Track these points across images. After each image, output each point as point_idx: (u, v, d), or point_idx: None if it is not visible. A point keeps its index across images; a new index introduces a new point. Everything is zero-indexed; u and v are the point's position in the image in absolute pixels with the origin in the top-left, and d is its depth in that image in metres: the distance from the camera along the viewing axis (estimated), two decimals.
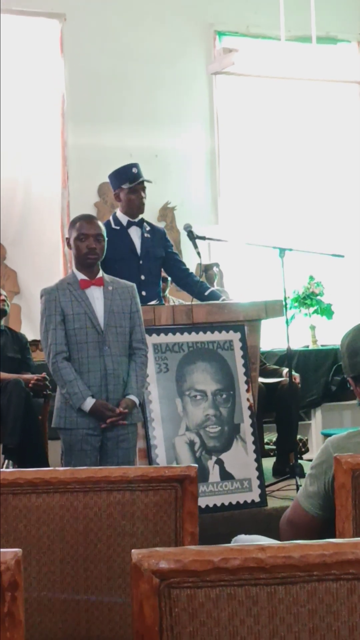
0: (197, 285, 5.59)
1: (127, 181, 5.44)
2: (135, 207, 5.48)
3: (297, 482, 5.22)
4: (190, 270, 5.76)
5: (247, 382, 5.19)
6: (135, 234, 5.51)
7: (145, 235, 5.52)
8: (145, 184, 5.49)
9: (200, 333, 5.15)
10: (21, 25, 7.99)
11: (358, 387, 2.65)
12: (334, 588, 1.38)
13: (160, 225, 7.54)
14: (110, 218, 5.59)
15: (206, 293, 5.58)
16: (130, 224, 5.51)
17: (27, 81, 8.01)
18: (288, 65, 8.28)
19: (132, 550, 1.35)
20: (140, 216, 5.56)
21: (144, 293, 5.38)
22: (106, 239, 4.56)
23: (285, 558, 1.36)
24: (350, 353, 2.63)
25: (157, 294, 5.57)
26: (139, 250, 5.48)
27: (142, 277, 5.44)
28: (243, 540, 2.93)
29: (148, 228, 5.57)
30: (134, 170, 5.47)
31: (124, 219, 5.52)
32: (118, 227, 5.49)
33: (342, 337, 2.70)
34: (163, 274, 5.75)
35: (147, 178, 5.50)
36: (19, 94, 7.95)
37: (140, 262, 5.47)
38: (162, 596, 1.34)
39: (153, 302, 5.26)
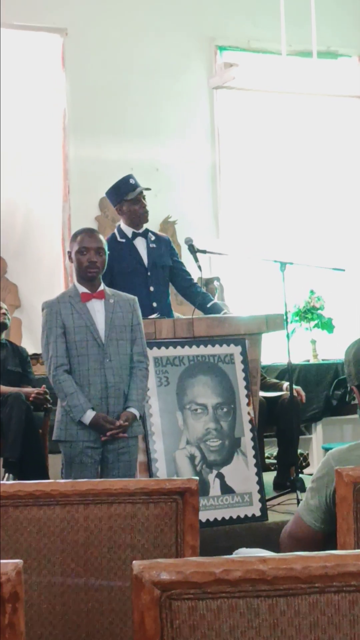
0: (200, 297, 5.60)
1: (128, 193, 5.46)
2: (140, 216, 5.50)
3: (297, 496, 5.21)
4: (195, 281, 5.76)
5: (247, 396, 5.18)
6: (141, 245, 5.53)
7: (151, 245, 5.54)
8: (145, 192, 5.52)
9: (201, 346, 5.15)
10: (23, 40, 8.02)
11: None
12: (335, 600, 1.38)
13: None
14: (115, 231, 5.60)
15: (208, 305, 5.60)
16: (135, 235, 5.53)
17: (29, 95, 8.04)
18: (289, 79, 8.29)
19: (133, 562, 1.35)
20: (145, 226, 5.58)
21: (154, 304, 5.40)
22: (107, 252, 4.57)
23: (287, 570, 1.35)
24: (356, 361, 2.63)
25: (167, 305, 5.58)
26: (146, 262, 5.50)
27: (152, 289, 5.46)
28: (244, 553, 2.92)
29: (153, 238, 5.59)
30: (131, 181, 5.50)
31: (128, 230, 5.54)
32: (124, 240, 5.51)
33: (348, 347, 2.71)
34: None
35: (145, 186, 5.53)
36: (21, 108, 7.97)
37: (148, 273, 5.49)
38: (163, 608, 1.34)
39: (154, 316, 5.26)
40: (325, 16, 8.34)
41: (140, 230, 5.56)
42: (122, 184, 5.53)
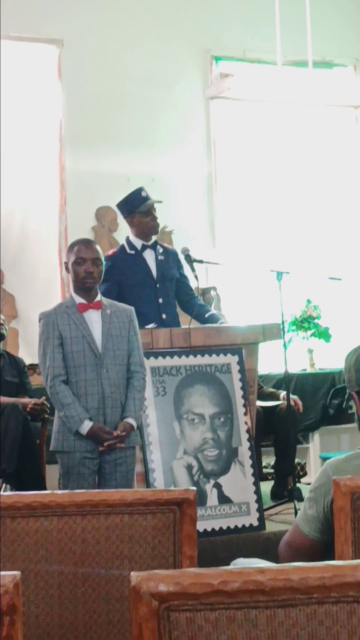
0: (197, 308, 5.63)
1: (140, 205, 5.49)
2: (150, 228, 5.54)
3: (295, 505, 5.21)
4: (194, 294, 5.79)
5: (245, 406, 5.18)
6: (150, 257, 5.56)
7: (160, 257, 5.57)
8: (155, 205, 5.55)
9: (198, 356, 5.15)
10: (19, 52, 8.03)
11: None
12: (333, 611, 1.37)
13: None
14: (124, 243, 5.62)
15: (206, 315, 5.63)
16: (144, 247, 5.56)
17: (25, 106, 8.04)
18: (284, 89, 8.32)
19: (131, 573, 1.35)
20: (154, 238, 5.61)
21: (164, 316, 5.42)
22: (104, 262, 4.58)
23: (285, 580, 1.35)
24: (358, 367, 2.63)
25: (175, 316, 5.59)
26: (155, 274, 5.53)
27: (160, 300, 5.48)
28: (242, 563, 2.92)
29: (161, 250, 5.63)
30: (143, 193, 5.54)
31: (137, 242, 5.56)
32: (133, 252, 5.54)
33: (348, 353, 2.71)
34: None
35: (157, 199, 5.56)
36: (17, 119, 7.98)
37: (157, 285, 5.52)
38: (161, 619, 1.34)
39: (150, 326, 5.26)
40: (321, 26, 8.36)
41: (149, 243, 5.58)
42: (134, 197, 5.57)
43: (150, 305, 5.39)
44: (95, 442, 4.35)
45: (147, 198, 5.54)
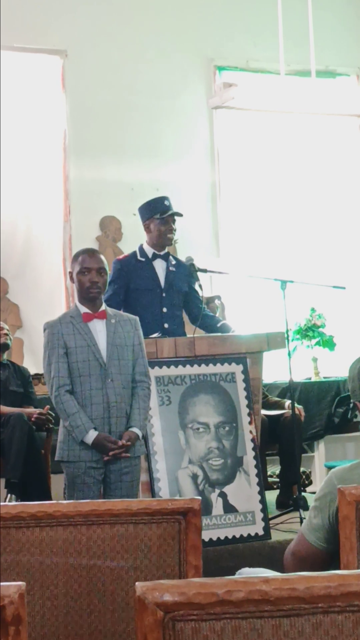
0: (209, 319, 5.64)
1: (159, 212, 5.49)
2: (164, 238, 5.52)
3: (300, 514, 5.20)
4: (206, 309, 5.79)
5: (249, 415, 5.18)
6: (160, 266, 5.55)
7: (170, 268, 5.57)
8: (176, 218, 5.55)
9: (203, 365, 5.15)
10: (23, 62, 8.05)
11: None
12: (339, 620, 1.37)
13: None
14: (137, 249, 5.62)
15: (218, 325, 5.63)
16: (155, 256, 5.55)
17: (29, 117, 8.07)
18: (288, 99, 8.33)
19: (136, 583, 1.35)
20: (167, 249, 5.60)
21: (166, 325, 5.42)
22: (108, 272, 4.59)
23: (290, 590, 1.35)
24: None
25: (179, 326, 5.58)
26: (162, 283, 5.52)
27: (164, 310, 5.48)
28: (247, 573, 2.91)
29: (174, 262, 5.62)
30: (166, 202, 5.54)
31: (149, 251, 5.56)
32: (143, 259, 5.54)
33: (352, 363, 2.71)
34: None
35: (177, 212, 5.56)
36: (21, 130, 8.00)
37: (163, 294, 5.51)
38: (167, 629, 1.33)
39: (155, 335, 5.26)
40: (324, 36, 8.38)
41: (162, 253, 5.58)
42: (156, 203, 5.57)
43: (153, 313, 5.39)
44: (100, 451, 4.35)
45: (169, 208, 5.53)
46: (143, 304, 5.38)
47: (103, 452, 4.34)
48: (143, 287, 5.47)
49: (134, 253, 5.61)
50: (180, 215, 5.57)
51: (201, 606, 1.33)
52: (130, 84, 8.34)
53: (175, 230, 5.57)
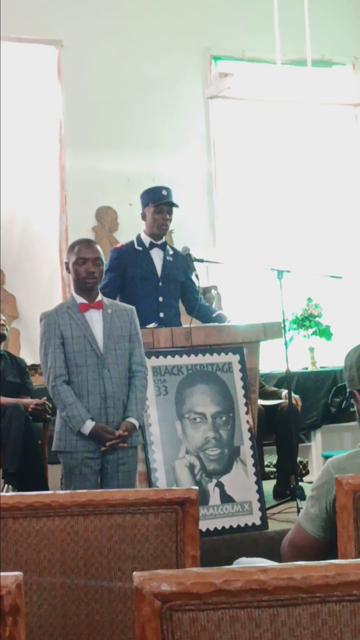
0: (204, 310, 5.66)
1: (154, 201, 5.49)
2: (158, 226, 5.52)
3: (297, 504, 5.21)
4: (202, 300, 5.80)
5: (246, 404, 5.18)
6: (157, 255, 5.56)
7: (168, 258, 5.57)
8: (173, 209, 5.55)
9: (199, 355, 5.15)
10: (19, 52, 8.03)
11: None
12: (337, 610, 1.37)
13: None
14: (134, 239, 5.63)
15: (214, 315, 5.64)
16: (152, 245, 5.56)
17: (25, 107, 8.05)
18: (283, 88, 8.32)
19: (134, 573, 1.35)
20: (164, 239, 5.61)
21: (161, 314, 5.43)
22: (104, 262, 4.58)
23: (288, 580, 1.35)
24: (359, 366, 2.63)
25: (175, 316, 5.59)
26: (159, 272, 5.53)
27: (160, 299, 5.49)
28: (244, 563, 2.91)
29: (171, 252, 5.63)
30: (164, 192, 5.54)
31: (147, 240, 5.57)
32: (140, 248, 5.56)
33: (349, 352, 2.70)
34: None
35: (174, 202, 5.56)
36: (17, 120, 7.98)
37: (160, 283, 5.52)
38: (164, 619, 1.33)
39: (152, 325, 5.26)
40: (319, 25, 8.36)
41: (159, 242, 5.58)
42: (154, 191, 5.58)
43: (149, 302, 5.39)
44: (97, 442, 4.34)
45: (164, 197, 5.54)
46: (139, 292, 5.39)
47: (100, 443, 4.34)
48: (140, 276, 5.48)
49: (132, 242, 5.62)
50: (175, 205, 5.57)
51: (199, 596, 1.33)
52: (126, 75, 8.32)
53: (170, 220, 5.57)
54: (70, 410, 4.33)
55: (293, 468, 5.83)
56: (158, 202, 5.49)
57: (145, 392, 4.57)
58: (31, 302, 7.77)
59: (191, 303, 5.71)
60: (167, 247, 5.65)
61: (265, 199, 8.90)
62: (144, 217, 5.59)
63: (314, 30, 7.87)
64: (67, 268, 4.57)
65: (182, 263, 5.64)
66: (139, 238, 5.62)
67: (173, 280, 5.59)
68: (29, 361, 6.74)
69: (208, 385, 5.12)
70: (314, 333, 8.37)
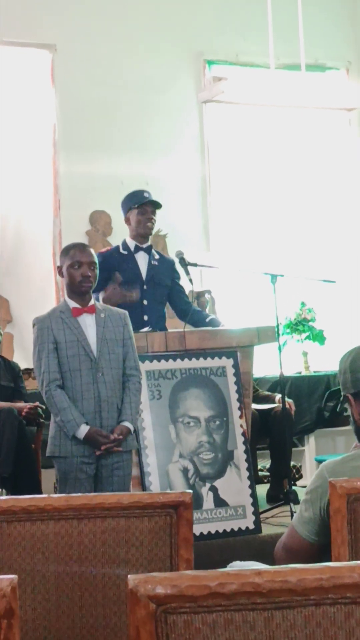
0: (197, 315, 5.66)
1: (136, 202, 5.51)
2: (143, 227, 5.53)
3: (291, 508, 5.21)
4: (192, 304, 5.80)
5: (240, 409, 5.18)
6: (142, 259, 5.58)
7: (153, 262, 5.58)
8: (157, 210, 5.57)
9: (193, 359, 5.15)
10: (12, 56, 8.03)
11: (358, 403, 2.65)
12: (331, 612, 1.37)
13: None
14: (120, 243, 5.66)
15: (207, 320, 5.64)
16: (137, 249, 5.57)
17: (19, 111, 8.05)
18: (277, 92, 8.33)
19: (129, 576, 1.35)
20: (149, 243, 5.62)
21: (145, 317, 5.44)
22: (98, 266, 4.58)
23: (282, 582, 1.35)
24: (353, 369, 2.64)
25: (160, 320, 5.59)
26: (144, 276, 5.54)
27: (145, 302, 5.49)
28: (238, 566, 2.91)
29: (157, 256, 5.64)
30: (145, 194, 5.57)
31: (132, 244, 5.60)
32: (126, 252, 5.58)
33: (343, 356, 2.71)
34: None
35: (158, 202, 5.58)
36: (11, 125, 7.98)
37: (145, 287, 5.52)
38: (159, 622, 1.33)
39: (146, 329, 5.26)
40: (313, 29, 8.38)
41: (144, 245, 5.60)
42: (134, 195, 5.61)
43: (134, 306, 5.39)
44: (92, 446, 4.34)
45: (146, 197, 5.56)
46: None
47: (95, 447, 4.34)
48: (125, 280, 5.48)
49: (117, 247, 5.67)
50: (158, 205, 5.59)
51: (194, 599, 1.33)
52: (120, 78, 8.33)
53: (154, 220, 5.59)
54: (64, 415, 4.32)
55: (286, 472, 5.83)
56: (141, 202, 5.52)
57: (139, 396, 4.57)
58: (25, 306, 7.77)
59: (181, 306, 5.72)
60: (153, 251, 5.66)
61: (259, 203, 8.91)
62: (127, 221, 5.62)
63: (307, 35, 7.89)
64: (60, 272, 4.56)
65: (168, 267, 5.66)
66: (124, 242, 5.65)
67: (158, 284, 5.60)
68: (22, 365, 6.73)
69: (202, 389, 5.13)
70: (307, 337, 8.38)
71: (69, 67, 8.15)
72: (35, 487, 5.79)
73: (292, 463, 6.77)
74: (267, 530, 5.07)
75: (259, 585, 1.34)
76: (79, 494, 2.25)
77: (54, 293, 8.04)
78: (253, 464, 5.50)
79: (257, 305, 8.10)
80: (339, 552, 2.30)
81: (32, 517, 2.18)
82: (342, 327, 8.98)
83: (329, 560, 2.36)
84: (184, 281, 5.71)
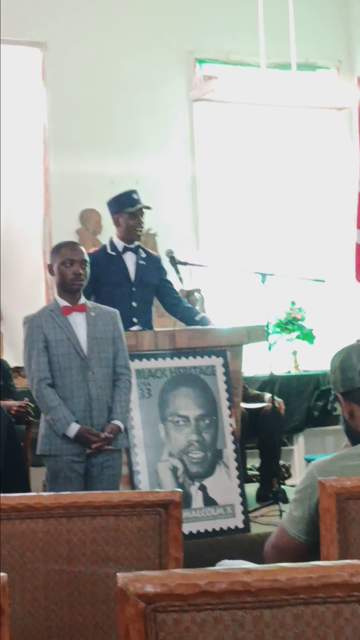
0: (187, 311, 5.63)
1: (128, 206, 5.48)
2: (134, 232, 5.52)
3: (280, 507, 5.22)
4: (182, 299, 5.79)
5: (229, 408, 5.18)
6: (130, 260, 5.55)
7: (140, 262, 5.56)
8: (144, 210, 5.55)
9: (183, 358, 5.15)
10: (2, 54, 8.01)
11: (347, 403, 2.65)
12: (320, 611, 1.37)
13: None
14: (107, 243, 5.63)
15: (197, 318, 5.61)
16: (126, 249, 5.55)
17: (9, 110, 8.03)
18: (268, 91, 8.33)
19: (118, 574, 1.35)
20: (137, 242, 5.60)
21: (134, 320, 5.41)
22: (89, 265, 4.57)
23: (272, 581, 1.35)
24: (343, 369, 2.64)
25: (148, 321, 5.58)
26: (132, 277, 5.52)
27: (134, 304, 5.47)
28: (227, 565, 2.91)
29: (144, 255, 5.61)
30: (134, 196, 5.54)
31: (120, 244, 5.56)
32: (114, 253, 5.54)
33: (334, 355, 2.71)
34: None
35: (147, 205, 5.55)
36: (1, 123, 7.96)
37: (133, 288, 5.50)
38: (148, 620, 1.33)
39: (135, 328, 5.26)
40: (304, 29, 8.38)
41: (132, 246, 5.57)
42: (125, 197, 5.57)
43: (123, 307, 5.37)
44: (82, 444, 4.33)
45: (137, 201, 5.54)
46: (112, 298, 5.33)
47: (85, 445, 4.33)
48: (113, 282, 5.46)
49: (104, 247, 5.62)
50: (149, 208, 5.58)
51: (183, 597, 1.33)
52: (110, 77, 8.32)
53: (143, 224, 5.58)
54: (54, 413, 4.32)
55: (276, 471, 5.84)
56: (134, 208, 5.49)
57: (129, 395, 4.57)
58: (14, 305, 7.75)
59: (170, 302, 5.69)
60: (140, 250, 5.63)
61: (249, 202, 8.92)
62: (116, 222, 5.58)
63: (298, 34, 7.89)
64: (51, 270, 4.55)
65: (155, 265, 5.65)
66: (111, 242, 5.61)
67: (147, 285, 5.58)
68: (12, 363, 6.72)
69: (191, 388, 5.13)
70: (297, 337, 8.39)
71: (59, 65, 8.14)
72: (24, 486, 5.78)
73: (281, 462, 6.78)
74: (256, 529, 5.08)
75: (249, 584, 1.34)
76: (69, 493, 2.25)
77: (44, 291, 8.03)
78: (242, 463, 5.50)
79: (247, 304, 8.11)
80: (328, 551, 2.31)
81: (22, 515, 2.18)
82: (332, 327, 8.99)
83: (318, 559, 2.36)
84: (173, 280, 5.70)
